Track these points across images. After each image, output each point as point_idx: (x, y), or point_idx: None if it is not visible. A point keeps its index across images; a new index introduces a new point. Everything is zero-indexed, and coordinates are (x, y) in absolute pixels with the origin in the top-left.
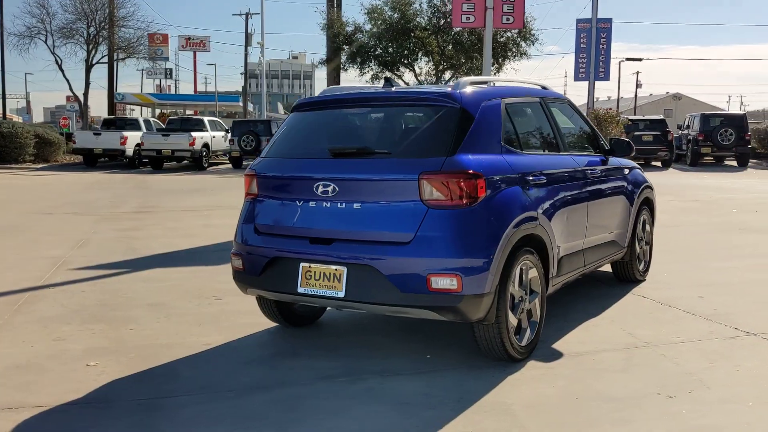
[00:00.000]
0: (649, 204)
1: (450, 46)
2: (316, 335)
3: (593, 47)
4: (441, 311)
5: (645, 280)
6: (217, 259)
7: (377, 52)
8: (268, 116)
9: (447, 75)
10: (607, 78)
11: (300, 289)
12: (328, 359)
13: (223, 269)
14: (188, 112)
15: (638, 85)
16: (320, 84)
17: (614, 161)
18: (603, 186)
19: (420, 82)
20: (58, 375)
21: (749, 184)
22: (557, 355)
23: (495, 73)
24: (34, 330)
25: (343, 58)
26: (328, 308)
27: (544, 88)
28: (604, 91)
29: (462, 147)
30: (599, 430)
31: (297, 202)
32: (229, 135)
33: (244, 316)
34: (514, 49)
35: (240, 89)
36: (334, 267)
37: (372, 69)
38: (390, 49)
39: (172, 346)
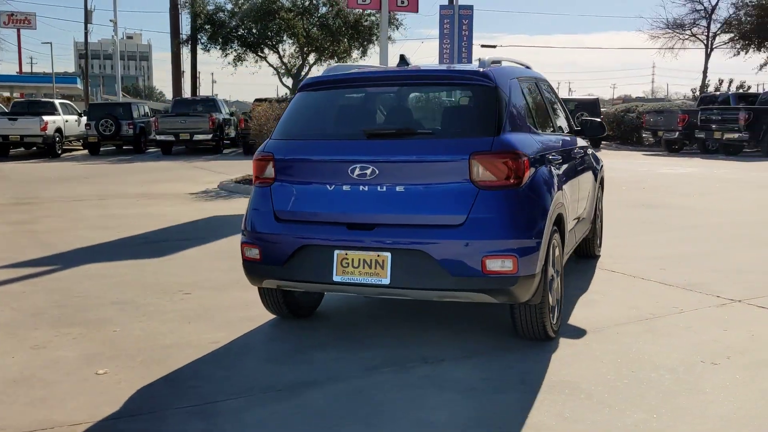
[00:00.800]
0: (602, 182)
1: (315, 29)
2: (324, 326)
3: (456, 33)
4: (494, 294)
5: (600, 255)
6: (151, 251)
7: (240, 33)
8: (124, 100)
9: (311, 58)
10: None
11: (336, 278)
12: (360, 350)
13: (168, 262)
14: (15, 94)
15: None
16: (160, 66)
17: (579, 140)
18: (583, 165)
19: (285, 65)
20: (72, 387)
21: (614, 163)
22: (580, 332)
23: (360, 58)
24: (1, 339)
25: (204, 38)
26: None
27: (527, 68)
28: None
29: (504, 126)
30: (684, 401)
31: (328, 186)
32: (85, 119)
33: (230, 310)
34: (378, 34)
35: (71, 70)
36: (376, 253)
37: (235, 50)
38: (254, 30)
39: (178, 347)
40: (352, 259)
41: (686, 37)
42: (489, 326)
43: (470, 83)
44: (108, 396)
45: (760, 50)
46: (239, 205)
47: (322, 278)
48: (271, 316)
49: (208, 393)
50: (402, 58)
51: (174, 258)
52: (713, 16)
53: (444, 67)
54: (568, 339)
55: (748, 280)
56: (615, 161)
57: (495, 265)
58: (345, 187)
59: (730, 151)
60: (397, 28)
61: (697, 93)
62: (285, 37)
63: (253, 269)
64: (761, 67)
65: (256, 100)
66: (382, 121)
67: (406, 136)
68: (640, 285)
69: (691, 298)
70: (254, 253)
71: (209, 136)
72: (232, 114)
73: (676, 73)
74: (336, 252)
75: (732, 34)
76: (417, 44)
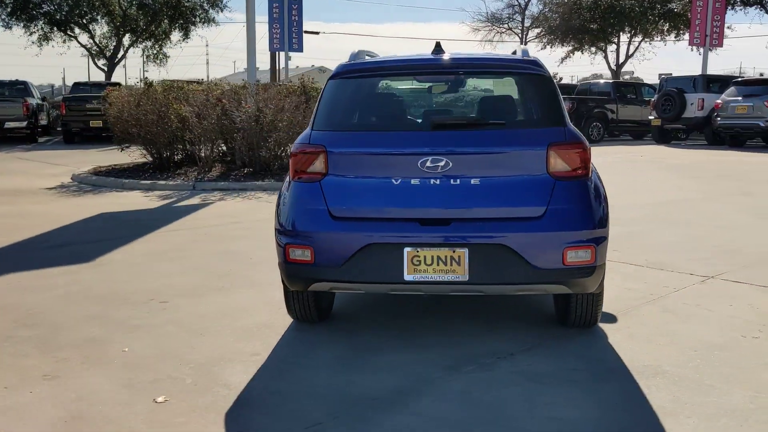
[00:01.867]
0: None
1: (134, 8)
2: (344, 329)
3: (286, 18)
4: (571, 285)
5: None
6: (71, 256)
7: (46, 9)
8: None
9: (127, 39)
10: (300, 49)
11: (407, 277)
12: (417, 350)
13: (102, 268)
14: None
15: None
16: None
17: None
18: None
19: (97, 45)
20: (141, 422)
21: None
22: (610, 316)
23: (183, 41)
24: None
25: (4, 14)
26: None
27: None
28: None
29: (566, 117)
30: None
31: (393, 180)
32: None
33: (234, 319)
34: (202, 15)
35: None
36: (451, 249)
37: (41, 28)
38: (64, 6)
39: (219, 363)
40: (425, 257)
41: (503, 30)
42: (515, 318)
43: (528, 73)
44: (202, 427)
45: (563, 45)
46: (121, 200)
47: (390, 278)
48: (286, 323)
49: (310, 413)
50: (438, 45)
51: (105, 263)
52: (526, 12)
53: (493, 55)
54: (604, 324)
55: (699, 258)
56: None
57: (575, 255)
58: (414, 181)
59: None
60: (222, 10)
61: None
62: (98, 16)
63: (299, 272)
64: (562, 60)
65: (77, 84)
66: (441, 110)
67: (477, 126)
68: (612, 267)
69: (671, 277)
70: (304, 254)
71: (23, 124)
72: (44, 99)
73: None
74: (406, 249)
75: (540, 29)
76: (239, 26)
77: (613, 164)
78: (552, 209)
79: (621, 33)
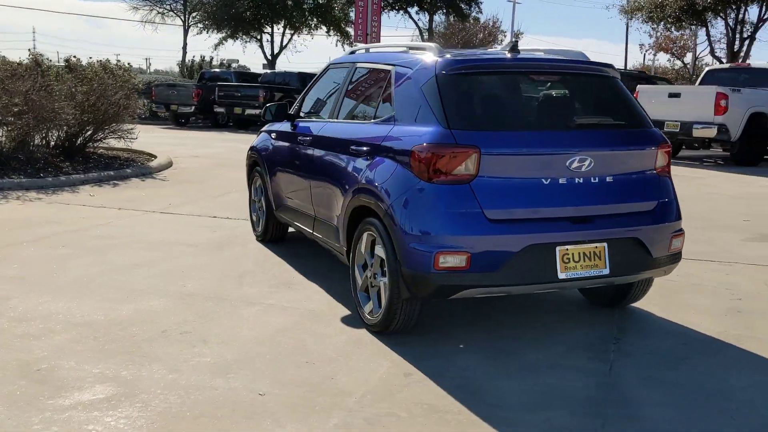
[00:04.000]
0: None
1: None
2: (455, 334)
3: None
4: (667, 269)
5: None
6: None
7: None
8: None
9: None
10: None
11: (561, 275)
12: (504, 352)
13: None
14: None
15: None
16: None
17: None
18: None
19: None
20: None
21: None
22: None
23: None
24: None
25: None
26: None
27: None
28: None
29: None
30: None
31: (543, 180)
32: None
33: (293, 331)
34: None
35: None
36: (594, 245)
37: None
38: None
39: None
40: (573, 254)
41: (165, 10)
42: (537, 310)
43: (607, 75)
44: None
45: (218, 31)
46: None
47: (546, 278)
48: (352, 330)
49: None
50: (515, 45)
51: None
52: None
53: (572, 60)
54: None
55: None
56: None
57: (677, 243)
58: (561, 180)
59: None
60: None
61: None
62: None
63: (450, 279)
64: (215, 46)
65: None
66: (560, 110)
67: (606, 127)
68: None
69: None
70: (458, 260)
71: None
72: None
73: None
74: (558, 248)
75: (199, 14)
76: None
77: None
78: (660, 202)
79: (274, 24)
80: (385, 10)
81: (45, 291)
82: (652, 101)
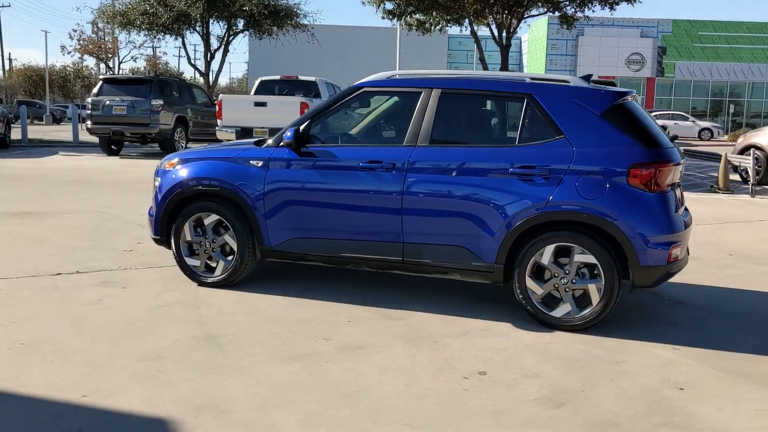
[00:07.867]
0: None
1: None
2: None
3: None
4: None
5: None
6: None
7: None
8: None
9: None
10: None
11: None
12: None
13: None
14: None
15: None
16: None
17: None
18: None
19: None
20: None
21: None
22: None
23: None
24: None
25: None
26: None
27: None
28: None
29: None
30: None
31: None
32: None
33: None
34: None
35: None
36: None
37: None
38: None
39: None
40: None
41: None
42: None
43: None
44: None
45: None
46: None
47: None
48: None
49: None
50: (588, 77)
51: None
52: None
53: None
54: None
55: None
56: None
57: None
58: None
59: None
60: None
61: None
62: None
63: (675, 268)
64: None
65: None
66: None
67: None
68: None
69: None
70: (681, 251)
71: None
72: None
73: None
74: None
75: None
76: None
77: None
78: None
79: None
80: None
81: None
82: (237, 110)
